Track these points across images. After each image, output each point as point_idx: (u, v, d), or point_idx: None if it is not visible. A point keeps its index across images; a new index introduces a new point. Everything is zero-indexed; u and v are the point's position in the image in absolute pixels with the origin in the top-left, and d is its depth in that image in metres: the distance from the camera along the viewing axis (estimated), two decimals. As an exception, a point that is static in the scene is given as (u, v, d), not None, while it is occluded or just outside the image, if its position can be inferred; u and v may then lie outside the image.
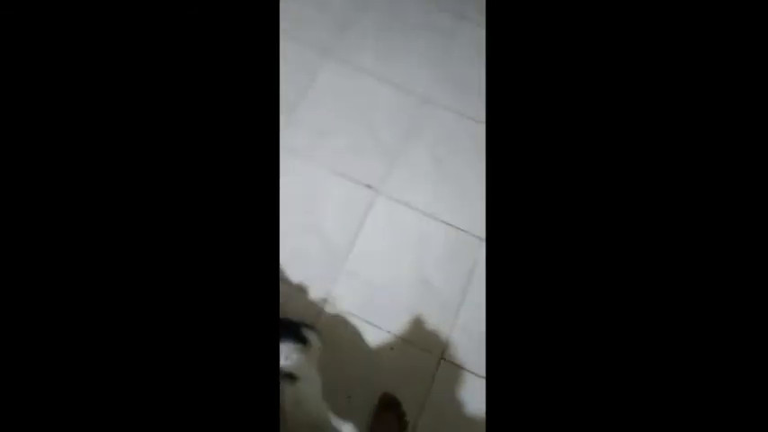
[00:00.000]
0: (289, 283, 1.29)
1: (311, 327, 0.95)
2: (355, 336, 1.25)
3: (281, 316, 0.98)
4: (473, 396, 1.21)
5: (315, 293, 1.28)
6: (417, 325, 1.27)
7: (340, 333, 1.25)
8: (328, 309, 1.27)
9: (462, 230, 1.37)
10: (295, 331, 0.92)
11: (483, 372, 1.23)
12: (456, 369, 1.24)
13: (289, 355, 0.86)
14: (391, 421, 1.13)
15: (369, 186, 1.38)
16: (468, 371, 1.23)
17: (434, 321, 1.27)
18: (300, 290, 1.28)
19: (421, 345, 1.25)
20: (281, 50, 1.47)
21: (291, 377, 0.81)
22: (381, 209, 1.37)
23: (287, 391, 0.78)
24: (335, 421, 1.16)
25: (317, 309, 1.27)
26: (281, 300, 1.26)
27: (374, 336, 1.26)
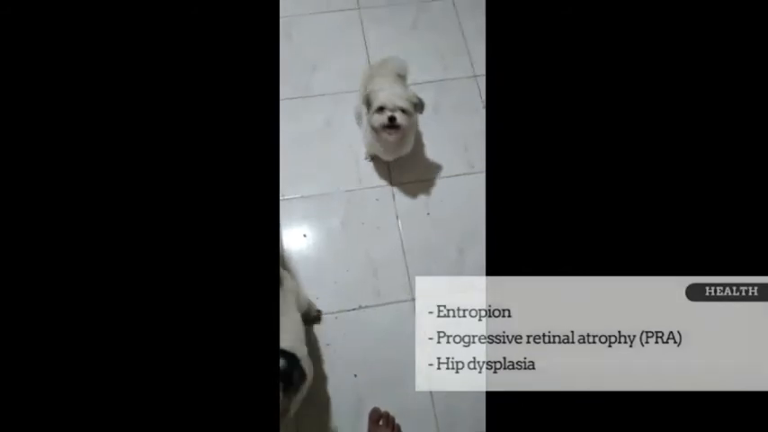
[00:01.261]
0: (401, 265, 1.44)
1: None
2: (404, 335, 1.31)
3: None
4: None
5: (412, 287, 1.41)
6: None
7: (397, 320, 1.36)
8: (408, 304, 1.39)
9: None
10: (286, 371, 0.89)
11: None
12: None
13: None
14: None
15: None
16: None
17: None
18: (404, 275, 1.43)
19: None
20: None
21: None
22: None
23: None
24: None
25: (405, 295, 1.40)
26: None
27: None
